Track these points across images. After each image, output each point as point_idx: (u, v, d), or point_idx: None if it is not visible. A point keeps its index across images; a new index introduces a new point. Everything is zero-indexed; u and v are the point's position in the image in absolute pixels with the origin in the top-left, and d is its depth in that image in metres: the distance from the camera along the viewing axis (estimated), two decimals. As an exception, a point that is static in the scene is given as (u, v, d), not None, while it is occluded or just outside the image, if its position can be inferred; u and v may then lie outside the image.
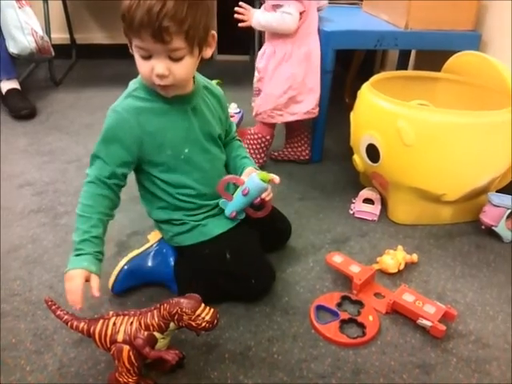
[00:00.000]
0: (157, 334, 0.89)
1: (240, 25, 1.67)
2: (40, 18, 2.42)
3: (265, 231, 1.25)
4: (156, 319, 0.89)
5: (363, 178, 1.71)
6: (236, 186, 1.18)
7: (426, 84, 1.68)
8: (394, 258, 1.29)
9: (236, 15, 1.65)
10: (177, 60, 0.97)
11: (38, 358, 1.01)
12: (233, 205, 1.16)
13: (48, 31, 2.60)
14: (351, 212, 1.57)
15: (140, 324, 0.89)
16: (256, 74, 1.74)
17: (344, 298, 1.19)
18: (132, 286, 1.19)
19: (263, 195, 1.15)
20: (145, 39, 0.93)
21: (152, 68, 0.97)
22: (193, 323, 0.87)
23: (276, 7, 1.59)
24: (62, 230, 1.44)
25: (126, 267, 1.17)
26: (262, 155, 1.80)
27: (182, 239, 1.16)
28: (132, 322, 0.90)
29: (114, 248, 1.35)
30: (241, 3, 1.67)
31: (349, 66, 2.52)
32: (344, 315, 1.13)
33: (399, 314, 1.15)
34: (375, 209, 1.55)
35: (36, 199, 1.60)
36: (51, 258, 1.32)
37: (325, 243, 1.41)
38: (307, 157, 1.88)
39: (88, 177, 1.04)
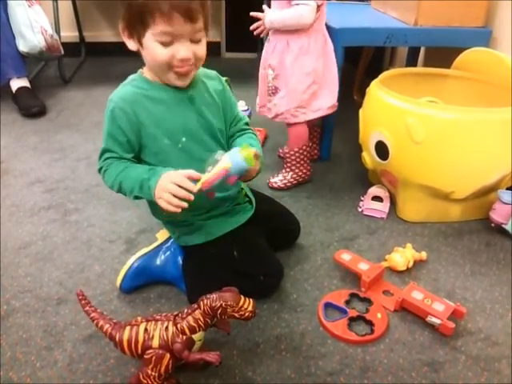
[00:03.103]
0: (194, 336, 0.90)
1: (256, 32, 1.63)
2: (49, 17, 2.44)
3: (274, 230, 1.26)
4: (198, 319, 0.89)
5: (372, 175, 1.71)
6: None
7: (436, 81, 1.67)
8: (402, 256, 1.28)
9: (252, 27, 1.61)
10: (197, 42, 1.00)
11: (48, 353, 1.02)
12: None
13: (57, 29, 2.63)
14: (360, 210, 1.56)
15: (177, 328, 0.89)
16: (270, 71, 1.63)
17: (352, 295, 1.18)
18: (140, 285, 1.20)
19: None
20: (174, 22, 0.94)
21: (173, 54, 0.98)
22: (236, 314, 0.89)
23: (293, 1, 1.49)
24: (72, 227, 1.45)
25: (134, 265, 1.18)
26: (309, 167, 1.73)
27: (189, 239, 1.17)
28: (167, 327, 0.89)
29: (123, 245, 1.36)
30: (252, 13, 1.60)
31: (357, 63, 2.51)
32: (352, 313, 1.13)
33: (408, 312, 1.14)
34: (384, 206, 1.55)
35: (46, 196, 1.62)
36: (61, 255, 1.33)
37: (333, 241, 1.41)
38: (316, 156, 1.88)
39: (102, 165, 1.06)
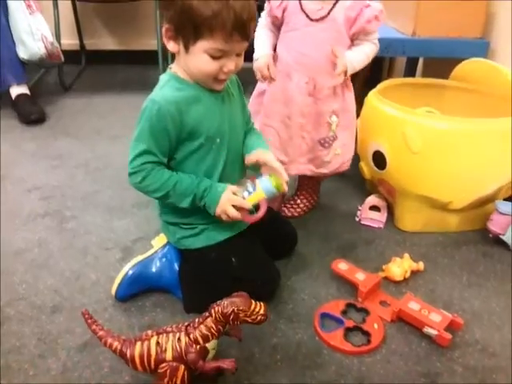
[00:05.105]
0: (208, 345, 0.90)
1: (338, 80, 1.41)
2: (50, 24, 2.45)
3: (271, 239, 1.25)
4: (211, 327, 0.88)
5: (370, 185, 1.71)
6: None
7: (434, 91, 1.67)
8: (400, 266, 1.28)
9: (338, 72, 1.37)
10: (240, 55, 1.05)
11: (42, 362, 1.01)
12: None
13: (58, 37, 2.63)
14: (357, 219, 1.56)
15: (190, 338, 0.88)
16: (334, 119, 1.42)
17: (349, 305, 1.18)
18: (135, 292, 1.19)
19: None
20: (233, 40, 0.98)
21: (221, 67, 1.02)
22: (248, 319, 0.89)
23: (367, 36, 1.37)
24: (68, 235, 1.44)
25: (130, 273, 1.17)
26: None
27: (190, 242, 1.16)
28: (179, 338, 0.89)
29: (119, 253, 1.36)
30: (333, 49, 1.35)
31: (355, 73, 2.51)
32: (349, 323, 1.12)
33: (405, 323, 1.14)
34: (382, 216, 1.54)
35: (43, 203, 1.61)
36: (57, 262, 1.32)
37: (330, 250, 1.41)
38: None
39: (140, 169, 1.05)
